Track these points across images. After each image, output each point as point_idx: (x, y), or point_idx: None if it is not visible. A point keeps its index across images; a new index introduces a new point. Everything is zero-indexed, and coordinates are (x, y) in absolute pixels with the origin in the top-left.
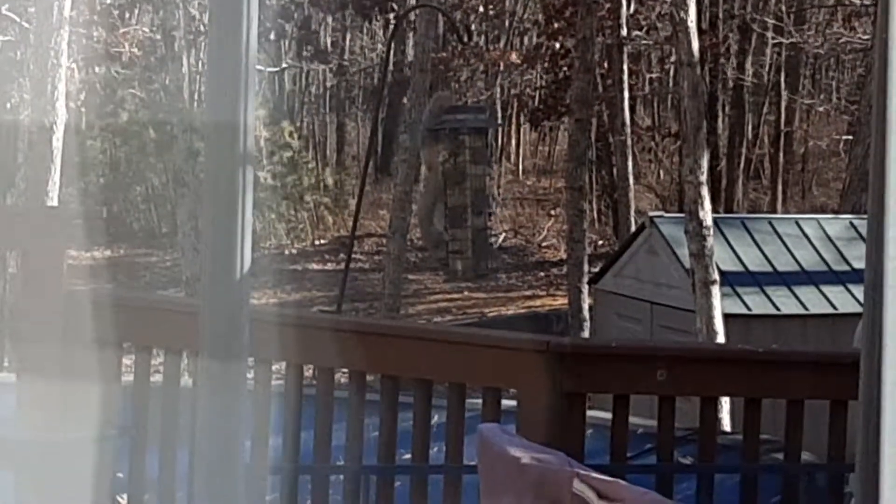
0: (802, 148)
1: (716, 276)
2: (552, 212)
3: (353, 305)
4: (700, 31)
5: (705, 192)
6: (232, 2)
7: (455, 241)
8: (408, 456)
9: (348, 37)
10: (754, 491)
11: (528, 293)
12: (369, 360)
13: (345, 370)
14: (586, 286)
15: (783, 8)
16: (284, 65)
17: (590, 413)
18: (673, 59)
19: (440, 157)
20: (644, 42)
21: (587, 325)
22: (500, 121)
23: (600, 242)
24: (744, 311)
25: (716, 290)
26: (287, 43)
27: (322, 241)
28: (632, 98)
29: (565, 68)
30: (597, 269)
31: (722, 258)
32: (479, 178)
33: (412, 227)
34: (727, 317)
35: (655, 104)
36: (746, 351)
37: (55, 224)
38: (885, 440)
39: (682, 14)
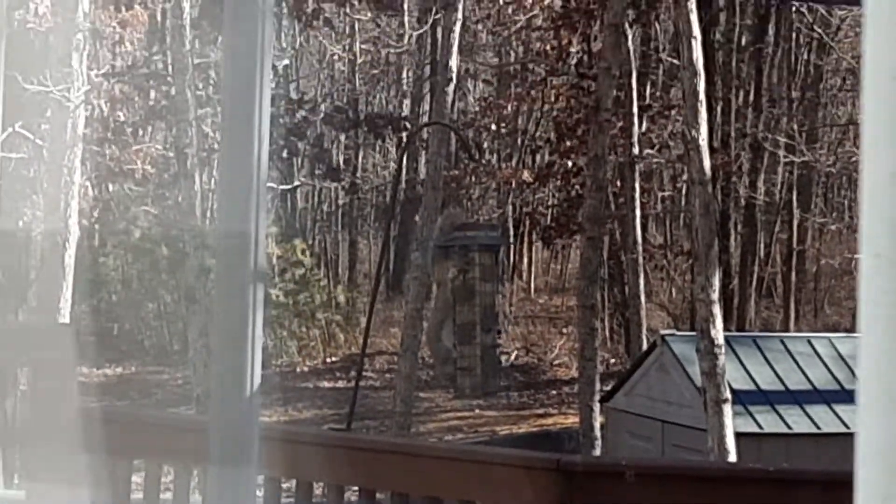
0: (815, 266)
1: (727, 394)
2: (564, 330)
3: (364, 423)
4: (712, 150)
5: (717, 310)
6: (244, 120)
7: (463, 359)
8: None
9: (360, 154)
10: None
11: (539, 411)
12: (379, 477)
13: (355, 488)
14: (598, 405)
15: (795, 127)
16: (297, 182)
17: None
18: (685, 177)
19: (450, 273)
20: (656, 160)
21: (598, 443)
22: (511, 239)
23: (612, 361)
24: (756, 429)
25: (727, 409)
26: (300, 161)
27: (333, 359)
28: (644, 216)
29: (577, 186)
30: (608, 388)
31: (734, 377)
32: (489, 296)
33: (423, 345)
34: (739, 435)
35: (667, 222)
36: (758, 469)
37: (67, 341)
38: None
39: (693, 132)
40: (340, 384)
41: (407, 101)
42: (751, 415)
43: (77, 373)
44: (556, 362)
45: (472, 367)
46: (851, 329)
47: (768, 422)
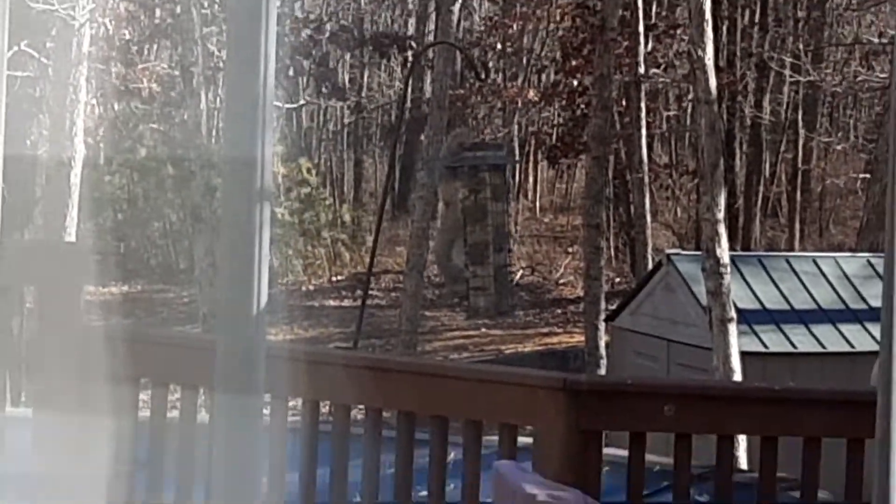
0: (820, 186)
1: (733, 313)
2: (569, 249)
3: (370, 342)
4: (718, 69)
5: (722, 229)
6: (250, 39)
7: (477, 278)
8: (424, 493)
9: (366, 74)
10: None
11: (544, 330)
12: (386, 396)
13: (361, 406)
14: (603, 324)
15: (801, 46)
16: (302, 101)
17: (606, 450)
18: (690, 96)
19: (459, 193)
20: (662, 80)
21: (604, 362)
22: (517, 158)
23: (617, 280)
24: (761, 349)
25: (733, 328)
26: (305, 80)
27: (339, 278)
28: (649, 135)
29: (583, 106)
30: (613, 307)
31: (739, 296)
32: (499, 216)
33: (429, 264)
34: (744, 355)
35: (673, 142)
36: (763, 388)
37: (72, 259)
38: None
39: (699, 52)
40: (346, 303)
41: (412, 20)
42: (756, 334)
43: (83, 291)
44: (562, 281)
45: (485, 287)
46: (856, 248)
47: (773, 341)
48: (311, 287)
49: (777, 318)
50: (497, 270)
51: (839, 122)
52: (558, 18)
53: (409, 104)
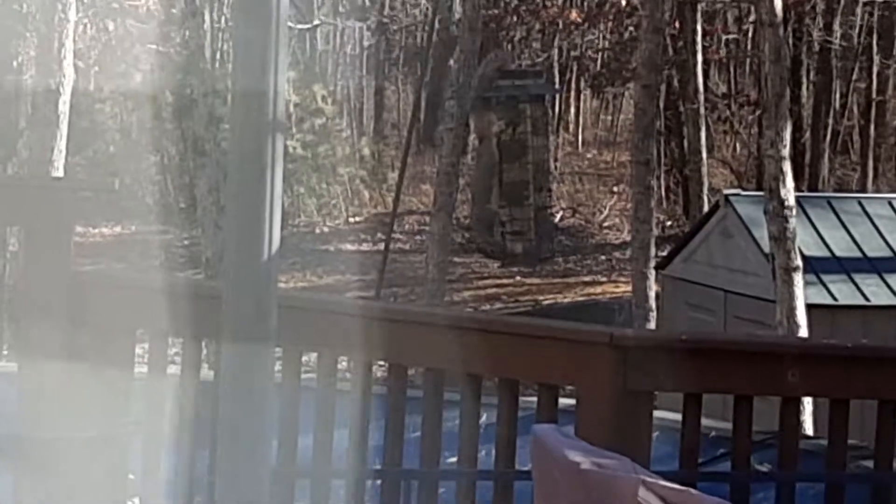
0: None
1: (798, 261)
2: (615, 188)
3: (393, 291)
4: None
5: (787, 167)
6: None
7: (515, 222)
8: (453, 459)
9: None
10: (840, 501)
11: (587, 279)
12: (411, 352)
13: (383, 363)
14: (653, 272)
15: None
16: (317, 21)
17: (657, 414)
18: (752, 18)
19: (495, 127)
20: None
21: (653, 315)
22: (557, 86)
23: (669, 223)
24: (829, 301)
25: (798, 278)
26: None
27: (357, 219)
28: (705, 62)
29: (631, 28)
30: (664, 254)
31: (805, 242)
32: (540, 151)
33: (459, 204)
34: (811, 307)
35: (732, 69)
36: (832, 346)
37: (61, 197)
38: None
39: None
40: (365, 247)
41: None
42: (824, 284)
43: (72, 232)
44: (606, 224)
45: (523, 231)
46: None
47: (844, 292)
48: (326, 229)
49: (848, 267)
50: (538, 212)
51: None
52: None
53: (437, 25)
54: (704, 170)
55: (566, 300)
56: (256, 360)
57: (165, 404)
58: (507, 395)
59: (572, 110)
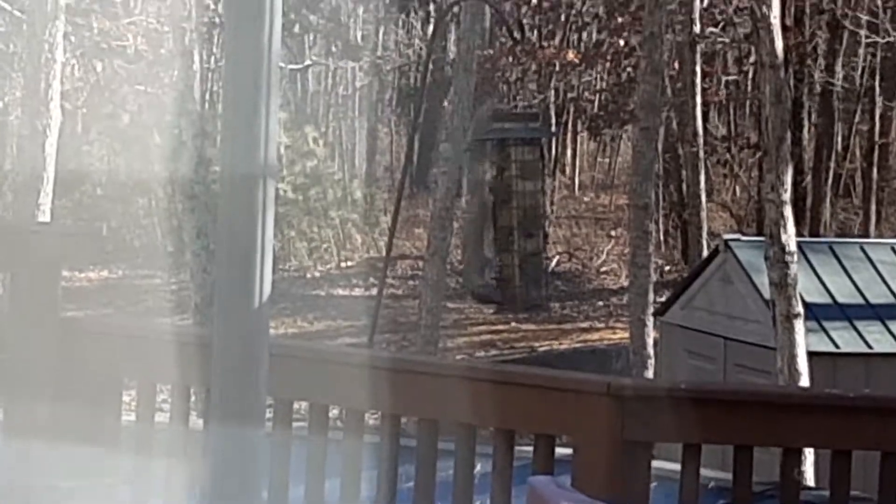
0: None
1: (800, 308)
2: (612, 233)
3: (385, 337)
4: (784, 29)
5: (788, 211)
6: None
7: (509, 267)
8: None
9: (382, 31)
10: None
11: (584, 325)
12: (404, 401)
13: (375, 412)
14: (651, 318)
15: (879, 3)
16: (309, 61)
17: (655, 463)
18: (753, 59)
19: (490, 170)
20: (720, 40)
21: (651, 363)
22: (554, 129)
23: (667, 268)
24: (831, 348)
25: (799, 325)
26: (312, 37)
27: (349, 263)
28: (705, 104)
29: (630, 69)
30: (663, 299)
31: (807, 288)
32: (535, 195)
33: (453, 249)
34: (812, 355)
35: (732, 111)
36: (835, 395)
37: (47, 241)
38: None
39: (764, 8)
40: (357, 292)
41: None
42: (826, 331)
43: (59, 277)
44: (604, 269)
45: (518, 276)
46: None
47: (846, 339)
48: (318, 273)
49: (850, 314)
50: (524, 259)
51: None
52: None
53: (431, 66)
54: (704, 214)
55: (562, 346)
56: (246, 409)
57: (154, 454)
58: (503, 445)
59: (569, 153)
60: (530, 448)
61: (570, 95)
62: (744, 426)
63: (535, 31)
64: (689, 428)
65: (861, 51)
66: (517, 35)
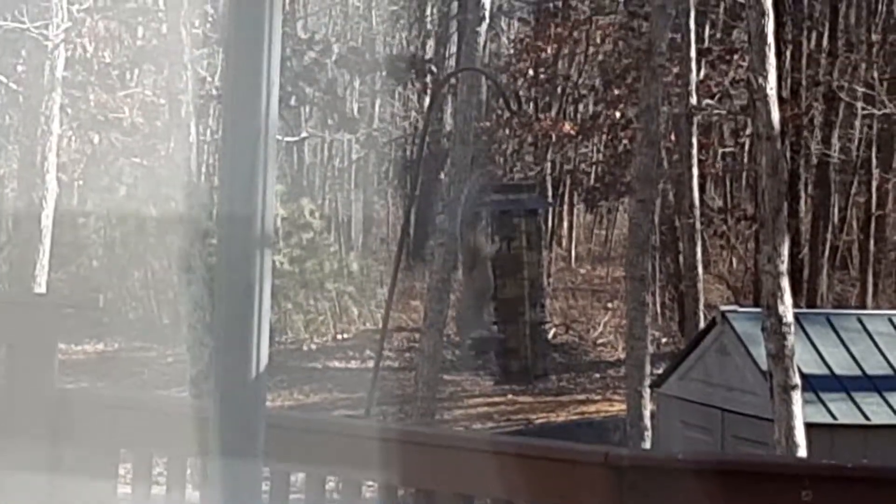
0: None
1: (797, 380)
2: (609, 304)
3: (381, 409)
4: (780, 100)
5: (785, 283)
6: (250, 62)
7: (510, 339)
8: None
9: (378, 103)
10: None
11: (581, 397)
12: (401, 472)
13: (372, 483)
14: (648, 390)
15: (875, 75)
16: (305, 134)
17: None
18: (749, 131)
19: (486, 242)
20: (716, 112)
21: (648, 434)
22: (550, 200)
23: (664, 340)
24: (829, 420)
25: (797, 397)
26: (308, 109)
27: (345, 336)
28: (702, 176)
29: (626, 141)
30: (660, 371)
31: (804, 360)
32: (532, 267)
33: (449, 321)
34: (810, 426)
35: (728, 183)
36: (833, 466)
37: (43, 313)
38: None
39: (760, 80)
40: (353, 364)
41: (431, 42)
42: (823, 403)
43: (55, 349)
44: (601, 341)
45: (517, 349)
46: None
47: (843, 411)
48: (314, 346)
49: (847, 386)
50: (531, 329)
51: None
52: (598, 41)
53: (427, 138)
54: (700, 286)
55: (559, 419)
56: (243, 479)
57: None
58: None
59: (566, 224)
60: None
61: (566, 167)
62: (743, 497)
63: (532, 104)
64: (687, 499)
65: (857, 122)
66: (514, 107)
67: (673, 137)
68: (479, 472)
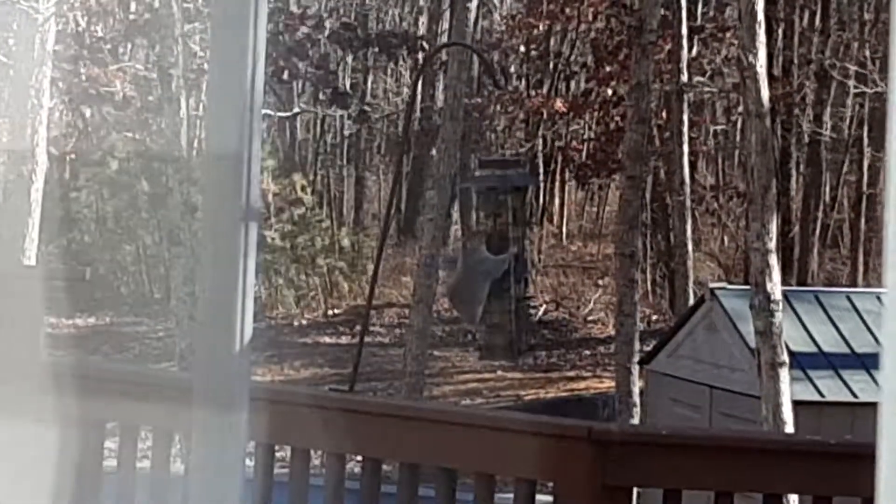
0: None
1: (785, 357)
2: (600, 281)
3: (370, 385)
4: (771, 78)
5: (774, 261)
6: (236, 36)
7: (494, 314)
8: None
9: (370, 79)
10: None
11: (570, 374)
12: (386, 446)
13: (358, 457)
14: (637, 367)
15: (867, 53)
16: (297, 109)
17: None
18: (740, 109)
19: (475, 218)
20: (707, 90)
21: (637, 411)
22: (541, 177)
23: (654, 317)
24: (816, 397)
25: (784, 374)
26: (300, 85)
27: (336, 311)
28: (692, 153)
29: (617, 118)
30: (649, 348)
31: (792, 337)
32: (519, 243)
33: (439, 297)
34: (797, 404)
35: (719, 160)
36: (818, 442)
37: (33, 286)
38: None
39: (751, 58)
40: (344, 340)
41: (423, 18)
42: (811, 380)
43: (44, 323)
44: (591, 318)
45: (502, 324)
46: None
47: (831, 388)
48: (304, 321)
49: (835, 363)
50: (518, 304)
51: None
52: (590, 18)
53: (418, 114)
54: (690, 263)
55: (549, 395)
56: (227, 454)
57: (136, 501)
58: (484, 491)
59: (557, 201)
60: (511, 494)
61: (557, 144)
62: (725, 472)
63: (524, 80)
64: (670, 474)
65: (849, 101)
66: (504, 84)
67: (664, 115)
68: (463, 447)
